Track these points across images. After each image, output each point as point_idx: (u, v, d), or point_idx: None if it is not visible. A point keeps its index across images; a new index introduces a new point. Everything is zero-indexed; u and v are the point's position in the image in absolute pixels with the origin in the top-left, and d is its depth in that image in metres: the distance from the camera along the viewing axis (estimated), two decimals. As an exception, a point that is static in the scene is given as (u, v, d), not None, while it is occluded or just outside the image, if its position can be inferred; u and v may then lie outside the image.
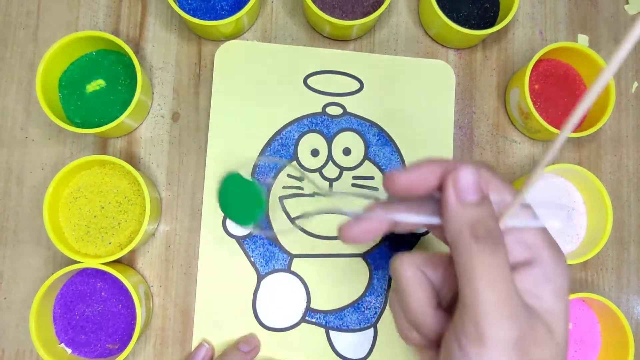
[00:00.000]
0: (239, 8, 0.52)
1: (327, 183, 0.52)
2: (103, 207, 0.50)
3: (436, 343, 0.31)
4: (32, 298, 0.50)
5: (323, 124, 0.53)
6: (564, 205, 0.41)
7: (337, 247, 0.52)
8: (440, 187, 0.30)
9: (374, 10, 0.52)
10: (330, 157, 0.52)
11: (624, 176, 0.55)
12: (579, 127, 0.54)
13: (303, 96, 0.53)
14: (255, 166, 0.52)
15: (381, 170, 0.53)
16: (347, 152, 0.52)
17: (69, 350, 0.48)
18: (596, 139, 0.56)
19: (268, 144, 0.52)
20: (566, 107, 0.53)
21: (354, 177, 0.52)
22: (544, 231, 0.31)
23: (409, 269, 0.32)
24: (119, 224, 0.49)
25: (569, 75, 0.54)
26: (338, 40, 0.55)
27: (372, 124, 0.53)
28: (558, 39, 0.57)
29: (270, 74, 0.53)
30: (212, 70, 0.54)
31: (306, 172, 0.51)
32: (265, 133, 0.52)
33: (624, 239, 0.55)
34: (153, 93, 0.54)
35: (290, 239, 0.51)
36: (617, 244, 0.54)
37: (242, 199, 0.42)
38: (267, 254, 0.51)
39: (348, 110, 0.53)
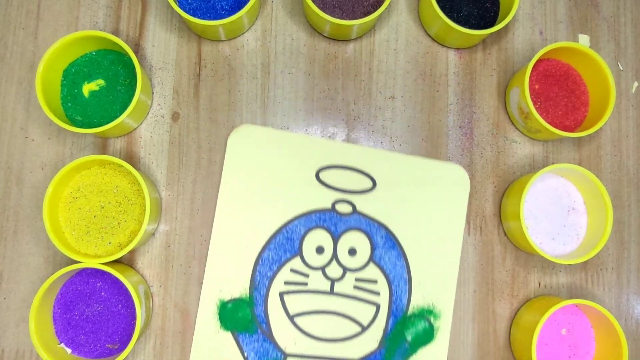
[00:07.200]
0: (239, 8, 0.52)
1: (329, 282, 0.51)
2: (103, 207, 0.50)
3: None
4: (32, 298, 0.50)
5: (331, 221, 0.51)
6: None
7: (335, 349, 0.50)
8: None
9: (374, 10, 0.52)
10: (335, 256, 0.51)
11: (624, 176, 0.55)
12: (579, 127, 0.54)
13: (314, 190, 0.52)
14: (258, 257, 0.51)
15: (385, 274, 0.51)
16: (352, 252, 0.51)
17: (69, 350, 0.48)
18: (596, 139, 0.56)
19: (274, 236, 0.51)
20: (566, 107, 0.53)
21: (357, 279, 0.51)
22: None
23: None
24: (119, 224, 0.49)
25: (569, 75, 0.54)
26: (338, 40, 0.55)
27: (381, 225, 0.52)
28: (558, 39, 0.57)
29: (284, 163, 0.52)
30: (213, 70, 0.54)
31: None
32: (272, 225, 0.51)
33: (624, 239, 0.55)
34: (153, 93, 0.54)
35: (286, 337, 0.50)
36: (617, 244, 0.54)
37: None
38: (260, 349, 0.50)
39: (358, 209, 0.52)
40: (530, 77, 0.53)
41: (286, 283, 0.50)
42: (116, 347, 0.49)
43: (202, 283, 0.51)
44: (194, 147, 0.53)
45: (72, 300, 0.49)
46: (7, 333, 0.50)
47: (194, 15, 0.52)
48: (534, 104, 0.53)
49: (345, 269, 0.51)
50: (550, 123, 0.52)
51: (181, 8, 0.52)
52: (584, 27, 0.57)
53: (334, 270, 0.51)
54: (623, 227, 0.55)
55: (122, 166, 0.49)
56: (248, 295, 0.50)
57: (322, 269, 0.51)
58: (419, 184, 0.52)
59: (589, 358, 0.51)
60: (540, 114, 0.52)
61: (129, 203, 0.50)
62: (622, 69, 0.57)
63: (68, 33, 0.52)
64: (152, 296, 0.51)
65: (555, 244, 0.52)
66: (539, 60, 0.54)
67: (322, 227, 0.51)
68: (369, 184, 0.52)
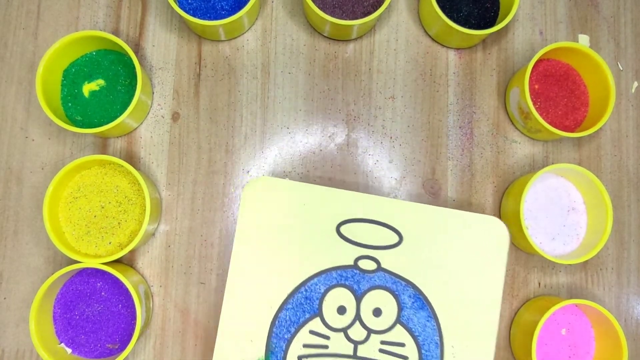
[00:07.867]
0: (239, 8, 0.52)
1: (352, 345, 0.47)
2: (103, 207, 0.50)
3: None
4: (32, 298, 0.50)
5: (353, 278, 0.47)
6: None
7: None
8: None
9: (374, 10, 0.52)
10: (358, 317, 0.46)
11: (624, 176, 0.55)
12: (579, 127, 0.54)
13: (334, 246, 0.47)
14: (275, 318, 0.47)
15: (414, 337, 0.47)
16: (377, 312, 0.47)
17: (69, 350, 0.48)
18: (596, 139, 0.56)
19: (291, 295, 0.47)
20: (566, 107, 0.53)
21: (382, 342, 0.46)
22: None
23: None
24: (119, 224, 0.49)
25: (569, 75, 0.54)
26: (338, 40, 0.55)
27: (409, 283, 0.47)
28: (558, 39, 0.57)
29: (302, 217, 0.48)
30: (213, 70, 0.54)
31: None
32: (290, 283, 0.47)
33: (624, 239, 0.55)
34: (153, 93, 0.54)
35: None
36: (617, 244, 0.54)
37: None
38: None
39: (383, 265, 0.47)
40: (530, 77, 0.53)
41: (305, 346, 0.46)
42: (116, 347, 0.49)
43: (202, 283, 0.51)
44: (194, 147, 0.53)
45: (72, 300, 0.49)
46: (7, 333, 0.50)
47: (194, 15, 0.52)
48: (534, 104, 0.53)
49: (369, 331, 0.47)
50: (550, 123, 0.52)
51: (181, 8, 0.52)
52: (584, 27, 0.57)
53: (357, 332, 0.47)
54: (623, 227, 0.55)
55: (122, 166, 0.49)
56: (264, 359, 0.47)
57: (344, 330, 0.47)
58: (450, 238, 0.48)
59: (589, 358, 0.51)
60: (540, 114, 0.52)
61: (129, 203, 0.50)
62: (622, 69, 0.57)
63: (68, 33, 0.52)
64: (152, 296, 0.51)
65: (555, 244, 0.52)
66: (539, 60, 0.54)
67: (344, 286, 0.47)
68: (395, 238, 0.48)
